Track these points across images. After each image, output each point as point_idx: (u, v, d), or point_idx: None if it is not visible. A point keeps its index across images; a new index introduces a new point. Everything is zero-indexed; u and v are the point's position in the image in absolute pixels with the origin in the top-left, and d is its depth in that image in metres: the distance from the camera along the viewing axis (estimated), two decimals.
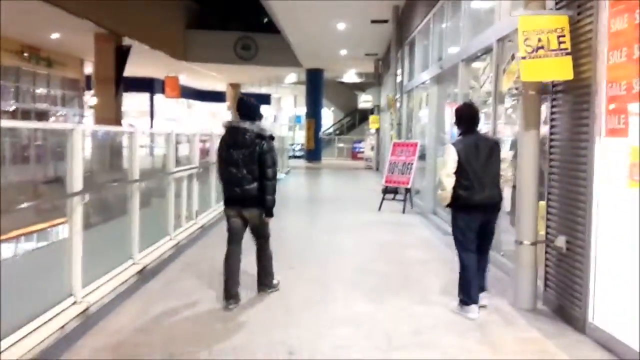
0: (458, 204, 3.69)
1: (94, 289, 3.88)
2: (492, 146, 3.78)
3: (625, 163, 3.00)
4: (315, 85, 23.85)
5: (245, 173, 3.92)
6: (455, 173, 3.62)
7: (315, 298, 4.28)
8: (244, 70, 24.31)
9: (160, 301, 4.13)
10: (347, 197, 11.54)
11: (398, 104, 11.65)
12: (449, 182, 3.64)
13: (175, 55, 21.78)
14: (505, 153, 4.16)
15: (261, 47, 22.27)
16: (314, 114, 23.86)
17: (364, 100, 20.85)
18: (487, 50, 5.59)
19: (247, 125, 3.99)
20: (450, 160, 3.64)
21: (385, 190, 9.29)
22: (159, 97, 28.75)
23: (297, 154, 27.46)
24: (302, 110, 27.07)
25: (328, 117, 31.56)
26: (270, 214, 4.05)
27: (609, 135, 3.18)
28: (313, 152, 23.91)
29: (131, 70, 25.12)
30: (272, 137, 4.07)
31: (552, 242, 3.79)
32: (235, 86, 30.05)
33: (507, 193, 5.36)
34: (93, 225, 4.86)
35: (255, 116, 4.10)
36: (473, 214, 3.71)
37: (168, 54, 20.96)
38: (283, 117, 40.69)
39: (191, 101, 34.80)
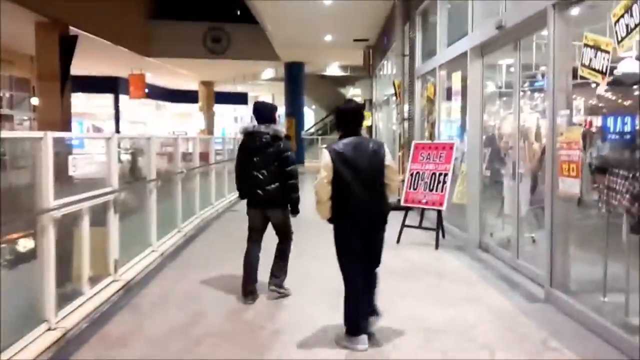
0: (336, 216, 3.31)
1: None
2: (375, 151, 3.33)
3: None
4: (295, 81, 21.12)
5: (266, 175, 4.12)
6: (333, 181, 3.24)
7: None
8: (215, 65, 21.71)
9: None
10: None
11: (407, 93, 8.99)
12: (324, 192, 3.27)
13: (138, 50, 19.07)
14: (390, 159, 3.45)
15: (234, 39, 20.12)
16: (294, 112, 21.07)
17: (353, 95, 18.20)
18: None
19: (262, 128, 4.15)
20: (323, 166, 3.27)
21: (400, 208, 6.55)
22: (125, 99, 25.73)
23: None
24: (281, 109, 24.41)
25: (309, 115, 28.73)
26: (296, 211, 4.24)
27: None
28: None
29: (94, 68, 22.49)
30: (287, 137, 4.22)
31: None
32: (207, 84, 27.13)
33: None
34: None
35: (269, 119, 4.23)
36: (353, 227, 3.31)
37: (129, 48, 18.17)
38: None
39: (160, 102, 31.74)
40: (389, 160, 3.36)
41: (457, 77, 6.44)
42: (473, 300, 4.31)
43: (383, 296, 4.35)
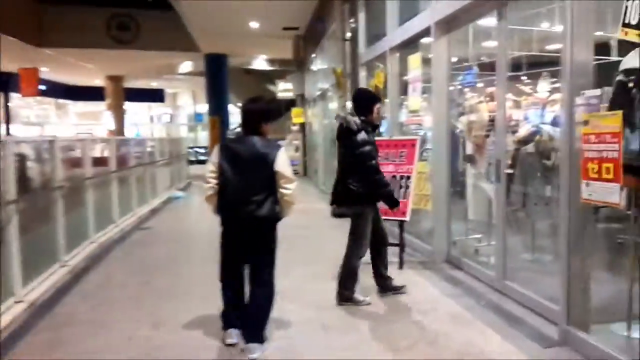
0: (218, 212, 3.27)
1: None
2: (264, 154, 3.13)
3: None
4: (218, 76, 19.29)
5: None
6: (218, 177, 3.20)
7: None
8: (123, 57, 19.47)
9: None
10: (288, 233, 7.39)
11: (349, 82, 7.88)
12: (207, 186, 3.24)
13: (27, 39, 16.45)
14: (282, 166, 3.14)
15: (144, 27, 18.25)
16: (218, 110, 19.32)
17: (283, 90, 16.90)
18: None
19: (339, 119, 4.08)
20: (210, 160, 3.31)
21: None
22: (17, 97, 22.44)
23: (201, 157, 22.98)
24: (203, 107, 22.58)
25: (236, 114, 26.98)
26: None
27: None
28: None
29: None
30: (375, 127, 4.11)
31: None
32: (115, 79, 24.47)
33: None
34: None
35: (358, 110, 4.01)
36: (226, 229, 3.27)
37: (15, 37, 15.53)
38: (181, 116, 35.49)
39: (61, 101, 28.39)
40: (280, 166, 3.12)
41: (416, 60, 5.38)
42: (470, 348, 3.23)
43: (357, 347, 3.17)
